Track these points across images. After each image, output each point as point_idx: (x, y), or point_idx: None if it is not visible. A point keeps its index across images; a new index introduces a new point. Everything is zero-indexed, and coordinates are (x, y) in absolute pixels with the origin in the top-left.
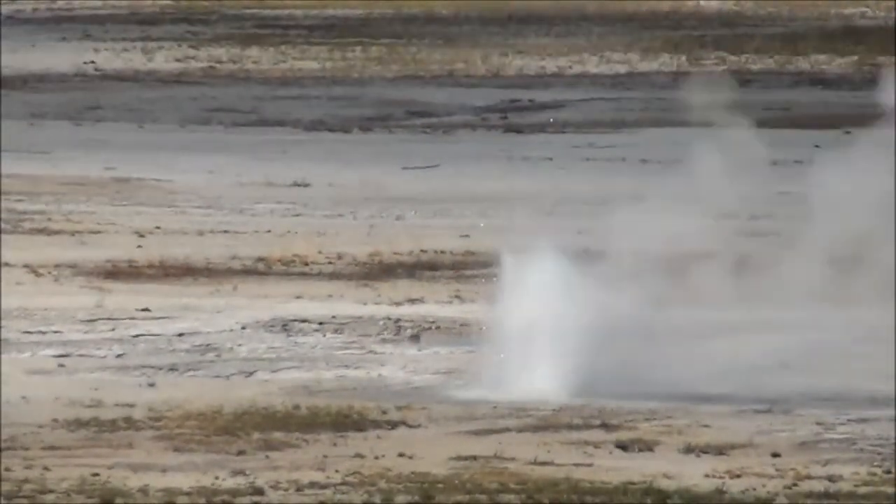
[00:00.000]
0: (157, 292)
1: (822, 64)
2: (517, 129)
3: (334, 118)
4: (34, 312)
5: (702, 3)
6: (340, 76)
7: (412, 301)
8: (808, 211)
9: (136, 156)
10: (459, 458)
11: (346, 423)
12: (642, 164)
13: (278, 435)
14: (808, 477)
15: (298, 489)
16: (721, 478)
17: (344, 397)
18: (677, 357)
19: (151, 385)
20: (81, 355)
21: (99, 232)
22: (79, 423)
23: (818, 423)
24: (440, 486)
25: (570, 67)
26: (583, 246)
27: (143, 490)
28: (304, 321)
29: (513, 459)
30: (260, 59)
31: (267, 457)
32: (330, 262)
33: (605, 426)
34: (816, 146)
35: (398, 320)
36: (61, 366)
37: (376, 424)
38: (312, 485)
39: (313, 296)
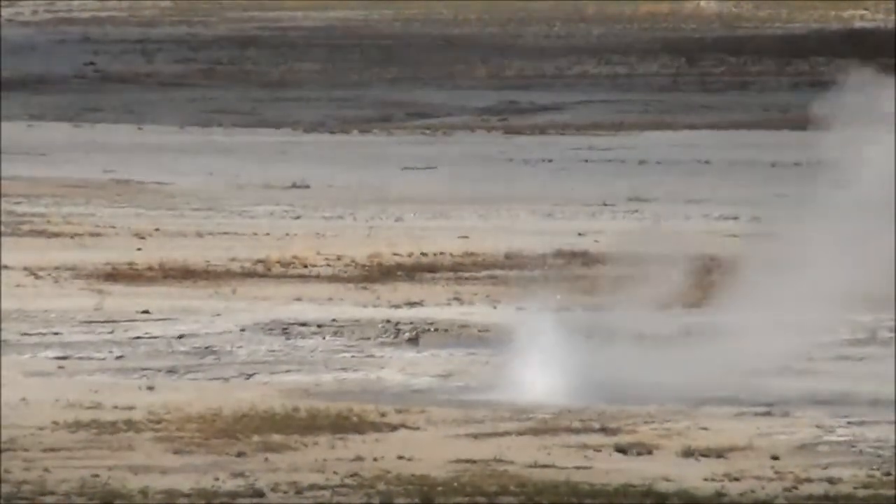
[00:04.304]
0: (157, 294)
1: (821, 66)
2: (516, 131)
3: (334, 120)
4: (34, 314)
5: (701, 4)
6: (340, 78)
7: (411, 303)
8: (807, 212)
9: (135, 158)
10: (459, 460)
11: (345, 425)
12: (641, 165)
13: (278, 437)
14: (808, 480)
15: (298, 491)
16: (720, 481)
17: (343, 400)
18: (676, 360)
19: (151, 387)
20: (81, 357)
21: (98, 234)
22: (78, 425)
23: (817, 426)
24: (439, 488)
25: (570, 69)
26: (582, 247)
27: (143, 492)
28: (303, 324)
29: (512, 462)
30: (259, 60)
31: (266, 459)
32: (329, 265)
33: (605, 429)
34: (814, 147)
35: (397, 323)
36: (61, 368)
37: (375, 427)
38: (312, 487)
39: (312, 298)
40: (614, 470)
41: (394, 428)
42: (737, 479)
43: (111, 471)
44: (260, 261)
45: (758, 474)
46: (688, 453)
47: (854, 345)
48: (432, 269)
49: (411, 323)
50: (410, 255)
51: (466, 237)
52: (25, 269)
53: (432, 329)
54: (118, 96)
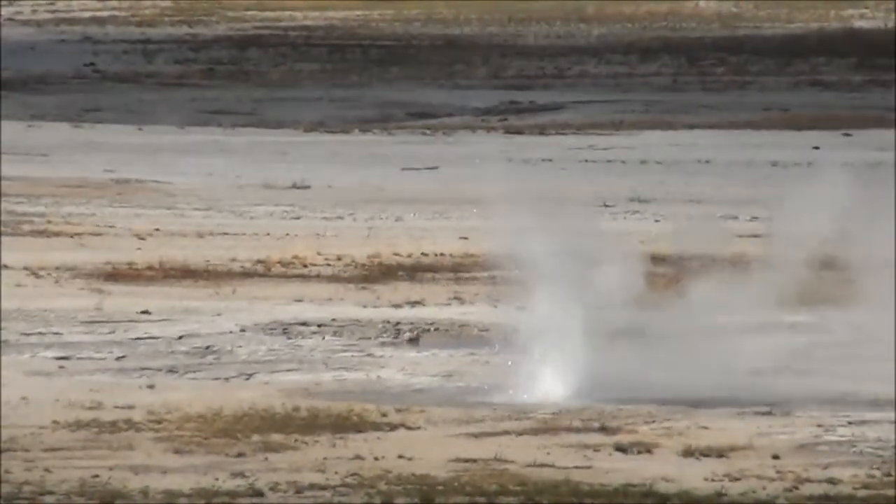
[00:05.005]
0: (157, 294)
1: (821, 66)
2: (517, 131)
3: (334, 120)
4: (34, 314)
5: (701, 4)
6: (340, 78)
7: (411, 303)
8: (807, 212)
9: (135, 158)
10: (459, 460)
11: (345, 425)
12: (641, 165)
13: (278, 437)
14: (808, 480)
15: (298, 491)
16: (720, 480)
17: (343, 399)
18: (676, 360)
19: (151, 387)
20: (81, 357)
21: (98, 234)
22: (79, 425)
23: (818, 426)
24: (440, 487)
25: (570, 69)
26: (582, 248)
27: (144, 492)
28: (303, 324)
29: (512, 462)
30: (259, 60)
31: (266, 459)
32: (329, 265)
33: (605, 429)
34: (815, 148)
35: (397, 323)
36: (61, 368)
37: (376, 426)
38: (312, 486)
39: (312, 298)
40: (614, 469)
41: (394, 427)
42: (737, 479)
43: (111, 471)
44: (260, 261)
45: (758, 474)
46: (688, 453)
47: (855, 344)
48: (432, 269)
49: (411, 323)
50: (410, 255)
51: (466, 238)
52: (25, 268)
53: (432, 329)
54: (118, 96)
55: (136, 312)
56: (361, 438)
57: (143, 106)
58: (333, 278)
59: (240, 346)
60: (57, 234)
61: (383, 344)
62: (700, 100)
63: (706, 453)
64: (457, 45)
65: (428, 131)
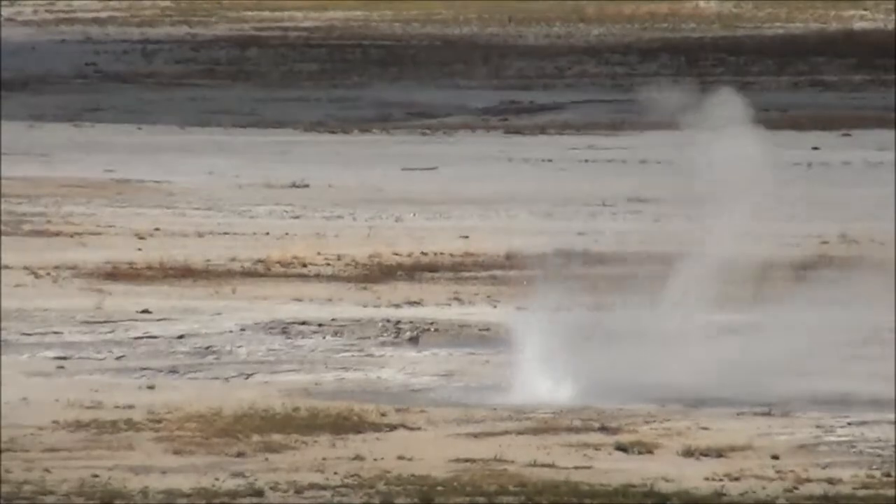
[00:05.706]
0: (157, 294)
1: (821, 66)
2: (517, 131)
3: (334, 119)
4: (34, 314)
5: (701, 4)
6: (340, 78)
7: (411, 303)
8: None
9: (135, 157)
10: (459, 460)
11: (345, 425)
12: (642, 165)
13: (278, 437)
14: (808, 480)
15: (298, 491)
16: (720, 480)
17: (343, 399)
18: (676, 360)
19: (151, 387)
20: (81, 357)
21: (98, 234)
22: (79, 425)
23: (818, 426)
24: (439, 488)
25: (570, 69)
26: (582, 247)
27: (143, 492)
28: (303, 323)
29: (512, 462)
30: (259, 60)
31: (266, 459)
32: (329, 264)
33: (605, 429)
34: (815, 148)
35: (397, 322)
36: (61, 367)
37: (375, 426)
38: (312, 486)
39: (312, 298)
40: (614, 470)
41: (394, 428)
42: (737, 479)
43: (111, 471)
44: (260, 261)
45: (758, 474)
46: (688, 453)
47: (855, 344)
48: (432, 269)
49: (411, 322)
50: (410, 255)
51: (466, 237)
52: (26, 268)
53: (432, 329)
54: (118, 96)
55: (136, 312)
56: (361, 439)
57: (143, 106)
58: (333, 278)
59: (240, 346)
60: (57, 234)
61: (383, 344)
62: None
63: (706, 453)
64: (456, 46)
65: (428, 131)
